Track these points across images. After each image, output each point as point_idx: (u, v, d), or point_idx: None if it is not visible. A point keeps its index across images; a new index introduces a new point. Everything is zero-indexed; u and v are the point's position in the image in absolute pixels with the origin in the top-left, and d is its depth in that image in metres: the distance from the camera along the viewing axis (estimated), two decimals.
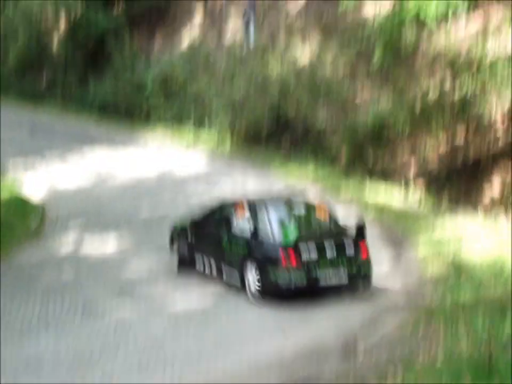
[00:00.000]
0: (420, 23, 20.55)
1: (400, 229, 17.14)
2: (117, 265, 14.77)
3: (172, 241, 15.42)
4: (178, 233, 15.27)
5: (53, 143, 26.67)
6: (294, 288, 12.85)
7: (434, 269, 14.09)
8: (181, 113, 29.72)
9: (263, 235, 13.32)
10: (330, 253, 13.08)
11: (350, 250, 13.25)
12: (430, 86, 24.32)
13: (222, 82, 29.91)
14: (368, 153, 24.23)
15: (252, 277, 13.19)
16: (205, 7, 33.93)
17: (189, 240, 14.86)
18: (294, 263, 12.80)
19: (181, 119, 29.50)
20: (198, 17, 34.37)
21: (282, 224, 13.51)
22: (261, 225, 13.45)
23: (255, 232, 13.43)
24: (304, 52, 28.73)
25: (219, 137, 27.42)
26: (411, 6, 18.73)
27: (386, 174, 23.48)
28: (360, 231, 13.51)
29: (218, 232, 14.20)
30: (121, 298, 12.96)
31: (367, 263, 13.42)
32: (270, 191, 21.10)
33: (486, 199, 21.96)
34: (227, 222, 14.06)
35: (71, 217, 18.33)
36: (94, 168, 23.52)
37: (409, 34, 23.65)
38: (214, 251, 14.15)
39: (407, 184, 22.56)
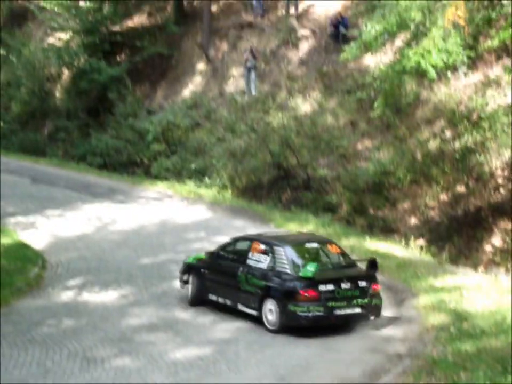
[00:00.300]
0: (420, 73, 20.75)
1: (401, 277, 17.12)
2: (117, 312, 14.73)
3: (183, 275, 16.05)
4: (191, 267, 15.96)
5: (54, 193, 26.77)
6: (312, 318, 13.75)
7: (435, 317, 14.05)
8: (183, 162, 29.85)
9: (280, 267, 14.30)
10: (344, 284, 14.08)
11: (362, 283, 14.24)
12: (430, 135, 24.53)
13: (224, 131, 30.13)
14: (369, 201, 24.32)
15: (273, 309, 14.05)
16: (207, 55, 34.32)
17: (203, 272, 15.58)
18: (312, 294, 13.75)
19: (182, 167, 29.62)
20: (200, 66, 34.74)
21: (299, 257, 14.52)
22: (277, 258, 14.44)
23: (272, 265, 14.42)
24: (305, 101, 29.01)
25: (220, 186, 27.51)
26: (412, 56, 18.94)
27: (387, 223, 23.55)
28: (372, 265, 14.66)
29: (233, 264, 15.12)
30: (121, 346, 12.91)
31: (378, 294, 14.46)
32: None
33: (488, 249, 22.03)
34: (243, 255, 15.03)
35: (72, 264, 18.32)
36: (95, 217, 23.57)
37: (409, 84, 23.94)
38: (229, 283, 14.99)
39: (408, 232, 22.61)
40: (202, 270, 15.72)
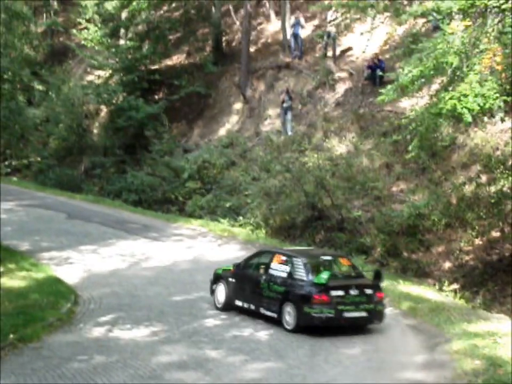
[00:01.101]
0: (456, 117, 20.74)
1: (434, 321, 16.97)
2: (148, 350, 14.75)
3: (213, 285, 18.41)
4: (220, 277, 18.27)
5: (89, 229, 26.99)
6: (324, 320, 16.06)
7: (468, 363, 13.88)
8: (217, 200, 30.00)
9: (298, 276, 16.68)
10: (353, 291, 16.40)
11: (368, 290, 16.55)
12: (466, 179, 24.41)
13: (259, 170, 30.26)
14: (403, 244, 24.20)
15: (290, 311, 16.37)
16: (244, 95, 34.62)
17: (230, 281, 17.92)
18: (325, 298, 16.06)
19: (217, 205, 29.75)
20: (237, 105, 35.03)
21: (314, 267, 16.80)
22: (296, 268, 16.80)
23: (291, 274, 16.76)
24: (340, 142, 29.08)
25: (254, 225, 27.56)
26: (448, 99, 18.96)
27: (421, 266, 23.39)
28: (377, 275, 17.07)
29: (257, 273, 17.56)
30: (151, 383, 12.91)
31: (381, 302, 16.81)
32: None
33: None
34: (266, 265, 17.46)
35: (104, 300, 18.41)
36: (128, 254, 23.72)
37: (445, 127, 23.91)
38: (253, 291, 17.35)
39: (441, 276, 22.43)
40: (230, 279, 17.99)
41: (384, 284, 20.12)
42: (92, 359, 14.16)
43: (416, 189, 25.85)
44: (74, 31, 41.97)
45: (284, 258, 17.29)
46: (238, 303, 17.62)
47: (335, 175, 27.50)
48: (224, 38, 38.94)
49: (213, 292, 18.41)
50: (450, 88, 19.73)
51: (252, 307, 17.27)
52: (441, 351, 14.99)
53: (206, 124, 35.86)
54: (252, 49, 36.46)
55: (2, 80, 25.65)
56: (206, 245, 25.55)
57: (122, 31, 38.50)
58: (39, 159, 37.45)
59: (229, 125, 34.69)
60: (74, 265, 21.99)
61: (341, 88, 32.01)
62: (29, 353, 14.41)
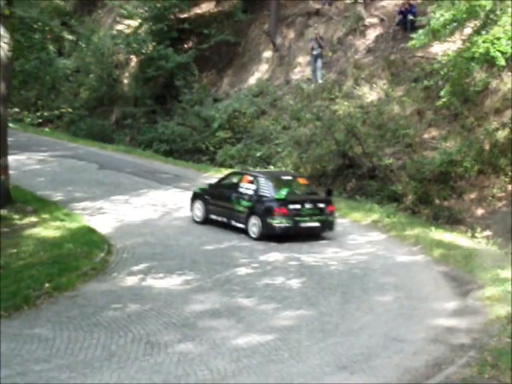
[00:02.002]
0: (489, 61, 20.38)
1: (467, 267, 16.88)
2: (181, 298, 14.85)
3: (192, 202, 21.80)
4: (198, 196, 21.66)
5: (120, 179, 27.10)
6: (283, 229, 19.32)
7: (501, 308, 13.81)
8: (248, 149, 29.92)
9: (262, 193, 19.88)
10: (308, 205, 19.63)
11: (321, 205, 19.81)
12: (499, 125, 24.07)
13: (289, 119, 30.08)
14: (435, 191, 24.02)
15: (255, 222, 19.63)
16: (274, 43, 34.28)
17: (207, 199, 21.27)
18: (284, 211, 19.26)
19: (247, 155, 29.69)
20: (267, 53, 34.72)
21: (276, 186, 19.90)
22: (261, 187, 19.98)
23: (257, 192, 19.97)
24: (371, 89, 28.76)
25: None
26: (481, 43, 18.61)
27: (453, 213, 23.22)
28: (329, 192, 20.65)
29: (229, 192, 20.73)
30: (184, 331, 13.02)
31: (332, 214, 20.04)
32: (335, 228, 21.08)
33: None
34: (235, 185, 20.73)
35: (137, 249, 18.52)
36: (160, 203, 23.80)
37: (478, 72, 23.52)
38: (226, 206, 20.62)
39: (474, 223, 22.27)
40: (206, 197, 21.34)
41: (416, 231, 20.18)
42: (126, 307, 14.28)
43: (448, 135, 25.56)
44: None
45: (251, 178, 20.48)
46: (213, 217, 21.05)
47: (366, 122, 27.27)
48: None
49: (192, 208, 21.75)
50: (483, 32, 19.38)
51: (224, 220, 20.65)
52: (474, 297, 14.93)
53: (235, 73, 35.63)
54: None
55: (32, 30, 25.57)
56: None
57: None
58: (70, 110, 37.49)
59: (258, 73, 34.43)
60: (107, 215, 22.12)
61: (371, 34, 31.57)
62: (64, 302, 14.56)
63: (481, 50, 18.59)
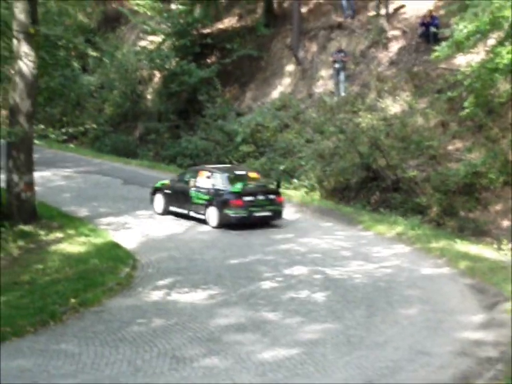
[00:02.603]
0: None
1: (493, 280, 16.74)
2: (206, 312, 14.86)
3: (152, 196, 24.56)
4: (158, 190, 24.35)
5: (145, 194, 27.19)
6: (239, 219, 22.11)
7: None
8: (271, 163, 29.93)
9: (219, 187, 22.57)
10: (260, 197, 22.35)
11: (271, 197, 22.57)
12: None
13: (312, 132, 30.08)
14: (459, 203, 23.90)
15: (214, 213, 22.43)
16: (297, 57, 34.35)
17: (166, 193, 23.99)
18: (239, 203, 21.98)
19: (270, 168, 29.70)
20: (289, 67, 34.79)
21: (231, 180, 22.59)
22: (218, 181, 22.69)
23: (214, 186, 22.64)
24: (395, 101, 28.71)
25: (308, 187, 27.49)
26: (505, 53, 18.54)
27: (479, 225, 23.08)
28: (278, 185, 23.44)
29: (187, 186, 23.42)
30: (209, 346, 13.02)
31: (281, 204, 22.90)
32: (359, 240, 21.02)
33: None
34: (194, 180, 23.32)
35: (162, 264, 18.58)
36: (184, 218, 23.87)
37: (502, 83, 23.42)
38: (185, 199, 23.34)
39: (500, 235, 22.11)
40: (166, 191, 24.05)
41: (441, 243, 20.08)
42: (151, 322, 14.33)
43: (473, 147, 25.44)
44: None
45: (208, 174, 23.14)
46: (172, 208, 23.80)
47: (389, 135, 27.21)
48: (275, 0, 38.56)
49: (152, 201, 24.49)
50: (506, 43, 19.31)
51: (184, 211, 23.37)
52: (500, 310, 14.81)
53: (258, 87, 35.71)
54: (304, 9, 36.08)
55: (57, 48, 25.84)
56: None
57: None
58: (94, 125, 37.73)
59: (281, 87, 34.49)
60: (131, 230, 22.22)
61: (394, 47, 31.54)
62: (90, 317, 14.63)
63: (505, 61, 18.52)
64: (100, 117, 40.21)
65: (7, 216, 21.81)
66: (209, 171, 23.25)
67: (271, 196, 22.58)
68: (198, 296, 15.94)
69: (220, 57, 37.48)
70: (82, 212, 24.38)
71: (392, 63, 30.91)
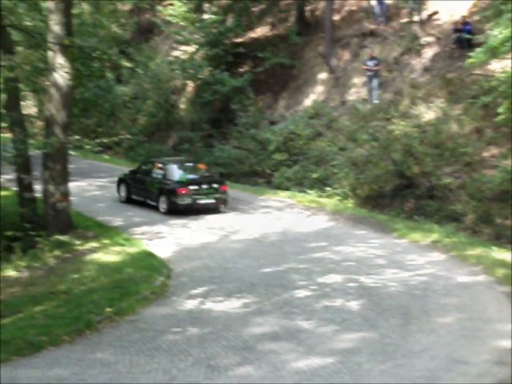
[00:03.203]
0: None
1: None
2: (240, 321, 14.87)
3: (118, 186, 27.74)
4: (122, 180, 27.62)
5: None
6: (185, 205, 25.14)
7: None
8: (304, 171, 29.91)
9: (169, 177, 25.60)
10: (204, 186, 25.38)
11: (215, 186, 25.58)
12: None
13: (345, 140, 30.00)
14: (495, 210, 23.66)
15: (163, 200, 25.44)
16: (329, 64, 34.31)
17: (128, 183, 27.17)
18: (185, 191, 25.00)
19: (303, 176, 29.68)
20: (322, 75, 34.76)
21: (179, 171, 25.77)
22: (168, 173, 25.74)
23: (164, 177, 25.68)
24: (428, 108, 28.55)
25: (342, 195, 27.42)
26: None
27: None
28: (221, 175, 27.96)
29: (144, 177, 26.49)
30: (244, 354, 13.02)
31: (225, 193, 25.85)
32: (393, 248, 20.90)
33: None
34: (149, 171, 26.43)
35: (196, 273, 18.64)
36: (218, 227, 23.94)
37: None
38: (142, 188, 26.40)
39: None
40: (128, 181, 27.21)
41: (477, 251, 19.91)
42: (186, 331, 14.37)
43: (509, 153, 25.18)
44: (159, 7, 42.32)
45: (160, 165, 26.16)
46: (134, 197, 26.87)
47: (423, 142, 27.03)
48: (307, 8, 38.58)
49: (118, 190, 27.58)
50: None
51: (142, 199, 26.39)
52: None
53: (291, 95, 35.72)
54: (336, 17, 36.04)
55: (91, 59, 26.15)
56: (294, 217, 25.57)
57: (206, 5, 38.55)
58: (128, 135, 37.97)
59: (314, 95, 34.46)
60: (165, 239, 22.33)
61: (427, 53, 31.37)
62: (125, 326, 14.72)
63: None
64: (134, 127, 40.45)
65: (43, 226, 22.06)
66: (162, 163, 26.39)
67: (215, 185, 25.55)
68: (232, 305, 15.96)
69: (252, 66, 37.57)
70: (117, 222, 24.56)
71: (425, 69, 30.74)
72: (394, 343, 13.41)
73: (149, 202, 26.06)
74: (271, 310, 15.58)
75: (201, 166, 26.97)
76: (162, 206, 25.54)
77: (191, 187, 25.10)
